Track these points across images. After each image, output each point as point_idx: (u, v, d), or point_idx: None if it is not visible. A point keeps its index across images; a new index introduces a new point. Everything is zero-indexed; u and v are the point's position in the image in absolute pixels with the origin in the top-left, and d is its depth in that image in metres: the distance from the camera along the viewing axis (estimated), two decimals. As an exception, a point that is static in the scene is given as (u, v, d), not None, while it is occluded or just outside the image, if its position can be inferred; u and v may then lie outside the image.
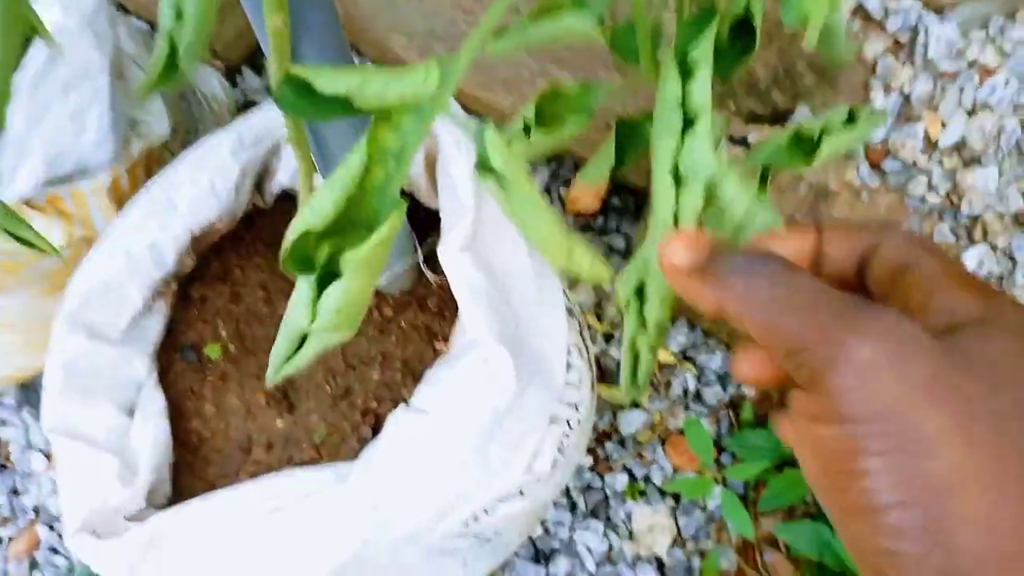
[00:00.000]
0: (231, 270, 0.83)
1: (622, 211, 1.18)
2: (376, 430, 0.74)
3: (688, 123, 0.30)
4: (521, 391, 0.66)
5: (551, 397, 0.69)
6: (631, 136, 0.38)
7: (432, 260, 0.81)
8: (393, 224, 0.26)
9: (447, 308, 0.80)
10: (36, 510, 1.12)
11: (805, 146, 0.37)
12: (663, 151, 0.30)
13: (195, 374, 0.77)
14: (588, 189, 1.18)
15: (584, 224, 1.17)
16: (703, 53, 0.28)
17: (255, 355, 0.78)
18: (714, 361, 1.04)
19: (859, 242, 0.27)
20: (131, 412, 0.71)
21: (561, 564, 0.94)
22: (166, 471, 0.71)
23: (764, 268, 0.25)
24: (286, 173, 0.81)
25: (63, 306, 0.70)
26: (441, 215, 0.75)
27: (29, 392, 1.18)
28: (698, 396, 1.04)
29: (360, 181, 0.28)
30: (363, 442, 0.73)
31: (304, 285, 0.28)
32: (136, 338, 0.74)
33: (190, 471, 0.73)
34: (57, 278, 0.98)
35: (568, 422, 0.71)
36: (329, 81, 0.23)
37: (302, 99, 0.24)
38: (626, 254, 1.14)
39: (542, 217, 0.27)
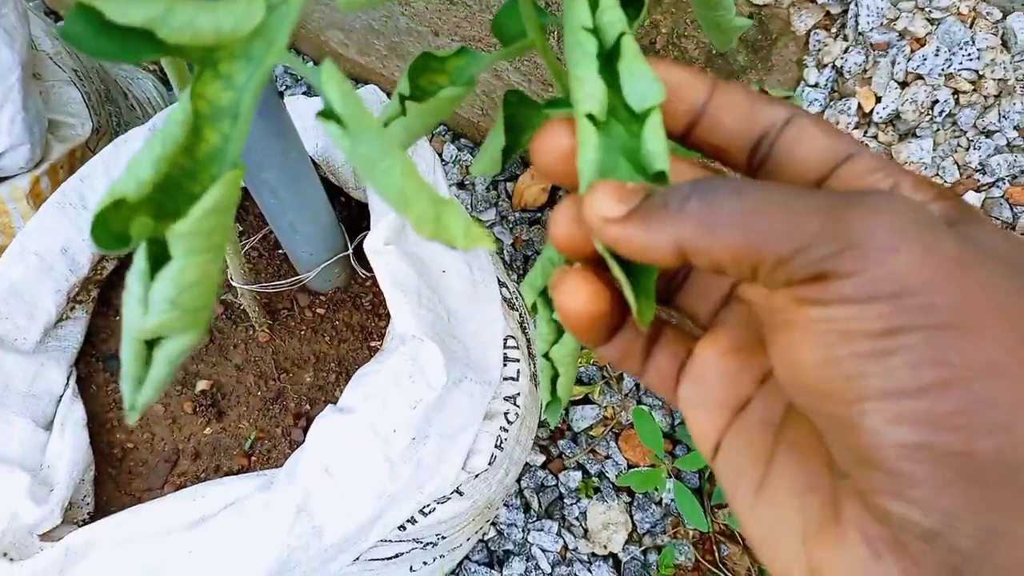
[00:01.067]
0: (156, 274, 0.79)
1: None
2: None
3: (610, 55, 0.26)
4: (453, 386, 0.64)
5: (486, 392, 0.66)
6: (524, 111, 0.35)
7: (364, 255, 0.78)
8: (228, 187, 0.23)
9: (382, 306, 0.77)
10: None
11: None
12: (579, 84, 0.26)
13: (118, 384, 0.74)
14: (533, 183, 1.16)
15: (532, 219, 1.15)
16: None
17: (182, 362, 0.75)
18: (666, 352, 1.02)
19: (759, 116, 0.24)
20: (49, 425, 0.68)
21: (515, 566, 0.91)
22: (87, 486, 0.67)
23: (720, 184, 0.21)
24: (210, 171, 0.78)
25: (-32, 316, 0.66)
26: (370, 208, 0.73)
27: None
28: (648, 389, 1.02)
29: (190, 147, 0.24)
30: (295, 446, 0.70)
31: (134, 280, 0.23)
32: (52, 347, 0.70)
33: (113, 485, 0.69)
34: (-21, 291, 0.94)
35: (506, 416, 0.69)
36: (122, 9, 0.20)
37: (94, 33, 0.20)
38: (575, 247, 1.12)
39: (396, 167, 0.24)
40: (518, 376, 0.71)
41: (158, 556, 0.61)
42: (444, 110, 0.33)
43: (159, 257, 0.23)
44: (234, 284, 0.69)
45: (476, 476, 0.67)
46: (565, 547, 0.93)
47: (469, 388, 0.65)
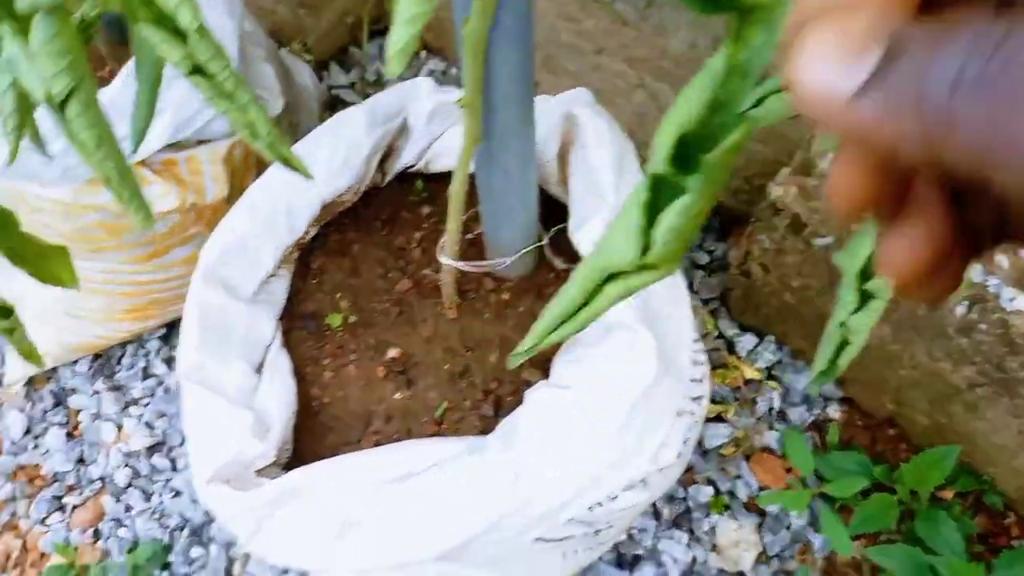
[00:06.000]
0: (349, 245, 0.83)
1: (706, 228, 1.19)
2: (498, 410, 0.73)
3: None
4: (658, 378, 0.66)
5: (680, 389, 0.69)
6: None
7: (554, 247, 0.81)
8: (746, 132, 0.25)
9: (565, 297, 0.80)
10: (102, 480, 1.11)
11: None
12: None
13: (314, 342, 0.77)
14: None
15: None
16: None
17: (373, 329, 0.78)
18: (800, 381, 1.04)
19: None
20: (258, 371, 0.71)
21: (646, 570, 0.93)
22: (290, 432, 0.70)
23: (988, 31, 0.12)
24: (411, 152, 0.82)
25: (202, 259, 0.70)
26: (570, 204, 0.76)
27: (103, 362, 1.18)
28: (782, 415, 1.03)
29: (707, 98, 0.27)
30: (485, 420, 0.73)
31: (635, 210, 0.26)
32: (264, 300, 0.74)
33: (310, 436, 0.73)
34: (157, 245, 0.99)
35: (692, 415, 0.71)
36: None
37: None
38: (710, 271, 1.15)
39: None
40: (702, 379, 0.74)
41: (365, 504, 0.63)
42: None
43: (660, 191, 0.26)
44: (441, 259, 0.73)
45: (661, 470, 0.69)
46: (694, 559, 0.94)
47: (668, 383, 0.67)
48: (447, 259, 0.72)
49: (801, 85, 0.15)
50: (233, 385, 0.68)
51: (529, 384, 0.75)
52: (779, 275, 0.92)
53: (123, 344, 1.18)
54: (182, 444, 1.10)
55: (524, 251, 0.77)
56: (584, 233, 0.69)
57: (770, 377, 1.05)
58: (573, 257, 0.78)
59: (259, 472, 0.66)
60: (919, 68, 0.13)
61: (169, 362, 1.16)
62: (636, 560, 0.94)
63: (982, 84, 0.12)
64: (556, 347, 0.77)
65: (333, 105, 1.40)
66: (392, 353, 0.77)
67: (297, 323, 0.78)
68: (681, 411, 0.70)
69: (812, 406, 1.03)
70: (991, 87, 0.12)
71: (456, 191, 0.64)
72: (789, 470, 1.00)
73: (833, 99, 0.14)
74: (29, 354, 0.69)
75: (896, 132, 0.13)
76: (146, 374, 1.16)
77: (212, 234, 0.72)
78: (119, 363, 1.17)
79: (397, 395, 0.75)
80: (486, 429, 0.73)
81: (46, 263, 0.65)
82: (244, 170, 0.96)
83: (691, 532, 0.96)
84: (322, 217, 0.79)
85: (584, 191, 0.73)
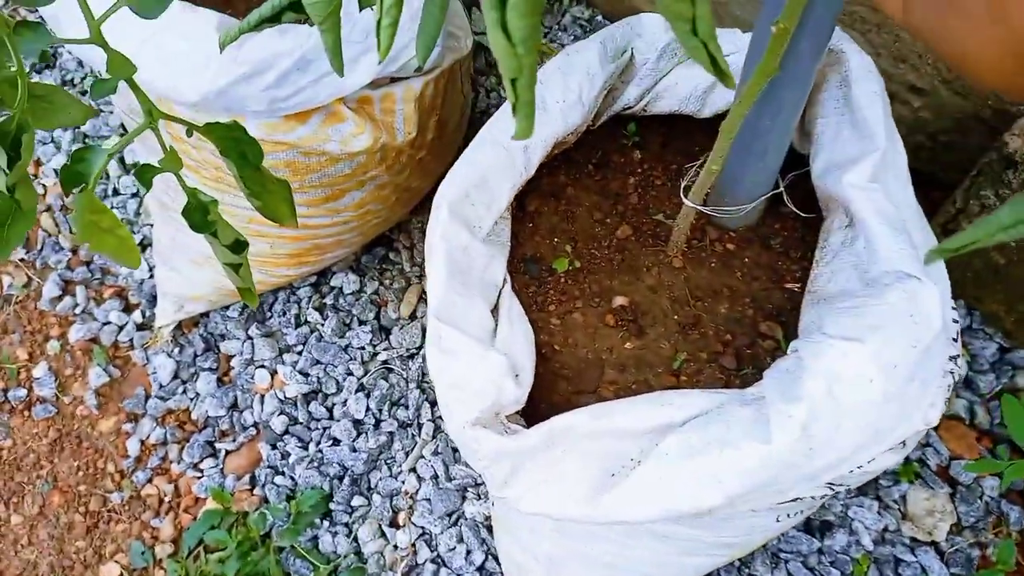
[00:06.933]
0: (562, 188, 0.80)
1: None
2: (739, 363, 0.70)
3: None
4: (938, 334, 0.62)
5: (948, 346, 0.65)
6: None
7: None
8: None
9: (794, 248, 0.76)
10: (256, 426, 1.10)
11: None
12: None
13: (536, 287, 0.74)
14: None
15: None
16: None
17: (596, 275, 0.75)
18: (989, 349, 0.99)
19: None
20: (493, 312, 0.69)
21: (838, 538, 0.90)
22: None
23: None
24: (633, 92, 0.78)
25: (445, 192, 0.67)
26: (814, 148, 0.71)
27: (254, 309, 1.16)
28: (968, 383, 0.99)
29: None
30: (726, 372, 0.69)
31: None
32: (495, 241, 0.71)
33: (542, 383, 0.70)
34: (334, 189, 0.96)
35: (952, 375, 0.67)
36: None
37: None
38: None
39: None
40: (957, 338, 0.70)
41: (628, 455, 0.61)
42: None
43: None
44: (686, 201, 0.69)
45: (919, 432, 0.66)
46: (885, 528, 0.91)
47: (942, 339, 0.63)
48: (691, 202, 0.69)
49: None
50: (477, 327, 0.65)
51: (766, 336, 0.72)
52: (994, 235, 0.88)
53: (274, 291, 1.16)
54: (338, 392, 1.09)
55: (763, 197, 0.73)
56: (855, 175, 0.65)
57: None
58: (808, 206, 0.75)
59: (508, 417, 0.63)
60: None
61: (321, 310, 1.14)
62: (826, 527, 0.91)
63: None
64: (791, 298, 0.73)
65: (476, 52, 1.37)
66: (619, 301, 0.73)
67: (519, 267, 0.75)
68: (945, 371, 0.67)
69: (1000, 375, 0.99)
70: None
71: (729, 127, 0.60)
72: (979, 439, 0.96)
73: None
74: (247, 292, 0.67)
75: None
76: (298, 321, 1.14)
77: (453, 168, 0.69)
78: (270, 310, 1.16)
79: (628, 344, 0.72)
80: (728, 382, 0.70)
81: (270, 197, 0.62)
82: (429, 111, 0.93)
83: (879, 499, 0.93)
84: (546, 157, 0.76)
85: (839, 132, 0.69)
